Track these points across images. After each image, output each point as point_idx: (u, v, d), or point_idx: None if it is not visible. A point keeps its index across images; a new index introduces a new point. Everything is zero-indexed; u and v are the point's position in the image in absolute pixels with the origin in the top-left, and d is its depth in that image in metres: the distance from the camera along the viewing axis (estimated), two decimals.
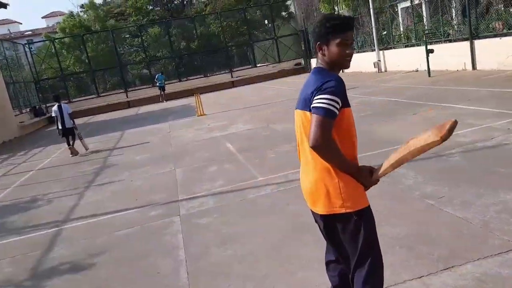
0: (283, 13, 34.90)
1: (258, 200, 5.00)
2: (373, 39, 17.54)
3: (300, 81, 22.28)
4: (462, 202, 3.86)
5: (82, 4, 42.26)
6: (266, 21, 35.56)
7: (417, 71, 15.18)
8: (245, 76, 27.53)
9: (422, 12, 16.52)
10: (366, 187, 2.08)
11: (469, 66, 12.64)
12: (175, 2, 46.74)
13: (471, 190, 4.06)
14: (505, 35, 11.44)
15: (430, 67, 12.99)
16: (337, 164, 1.98)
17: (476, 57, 12.29)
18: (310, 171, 2.09)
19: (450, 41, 13.86)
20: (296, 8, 27.39)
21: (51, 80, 28.91)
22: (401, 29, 18.04)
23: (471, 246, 3.06)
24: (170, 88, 25.62)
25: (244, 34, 33.09)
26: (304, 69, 27.21)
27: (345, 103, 1.98)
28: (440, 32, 14.16)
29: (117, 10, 44.57)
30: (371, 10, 17.00)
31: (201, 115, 14.65)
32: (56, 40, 29.71)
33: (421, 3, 15.82)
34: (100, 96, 26.32)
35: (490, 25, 12.36)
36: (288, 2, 36.71)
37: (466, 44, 12.61)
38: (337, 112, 1.92)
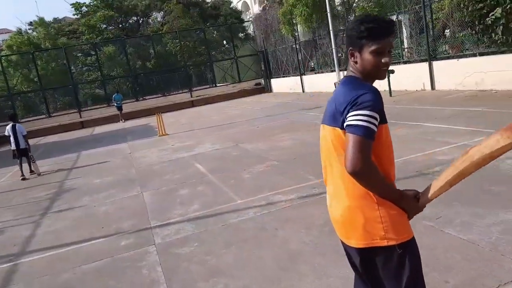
0: (240, 34, 35.14)
1: (242, 225, 4.64)
2: (333, 60, 17.83)
3: (261, 100, 22.31)
4: (462, 222, 3.71)
5: (31, 22, 40.52)
6: (224, 42, 35.69)
7: None
8: (205, 96, 27.20)
9: None
10: (410, 215, 1.80)
11: (428, 87, 13.04)
12: (130, 22, 45.96)
13: (467, 210, 3.94)
14: (462, 56, 11.92)
15: (391, 87, 13.29)
16: (378, 191, 1.70)
17: (434, 77, 12.72)
18: (343, 197, 1.79)
19: (409, 62, 14.30)
20: (255, 29, 27.57)
21: None
22: None
23: (487, 271, 2.87)
24: (127, 107, 24.78)
25: (201, 54, 32.92)
26: (264, 89, 27.30)
27: (383, 119, 1.72)
28: (399, 53, 14.59)
29: (69, 28, 43.15)
30: (331, 32, 17.31)
31: (163, 135, 14.11)
32: (3, 58, 28.02)
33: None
34: (52, 116, 24.94)
35: (445, 48, 12.90)
36: (246, 24, 37.14)
37: (425, 65, 13.04)
38: (376, 130, 1.64)
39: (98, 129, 21.72)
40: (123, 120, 23.30)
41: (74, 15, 43.55)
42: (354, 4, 16.52)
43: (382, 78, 1.79)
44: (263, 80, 27.61)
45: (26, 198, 8.07)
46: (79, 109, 25.39)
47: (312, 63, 22.56)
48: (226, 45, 34.89)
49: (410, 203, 1.76)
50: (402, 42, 16.18)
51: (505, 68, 10.41)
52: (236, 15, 40.89)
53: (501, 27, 10.27)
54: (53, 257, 4.70)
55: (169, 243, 4.48)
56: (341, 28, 18.32)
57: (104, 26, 41.81)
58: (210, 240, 4.37)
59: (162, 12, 44.76)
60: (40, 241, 5.34)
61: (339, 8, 18.69)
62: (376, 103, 1.64)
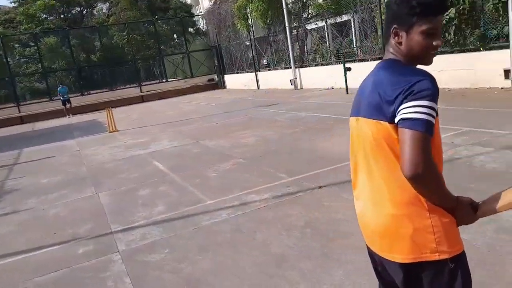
0: (191, 29, 34.36)
1: (215, 227, 4.30)
2: (289, 57, 17.80)
3: (216, 96, 21.86)
4: None
5: None
6: (175, 35, 34.73)
7: (333, 88, 15.66)
8: (156, 91, 26.30)
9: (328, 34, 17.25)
10: (458, 225, 1.56)
11: None
12: (73, 12, 43.57)
13: None
14: None
15: (347, 85, 13.43)
16: (437, 198, 1.42)
17: None
18: (386, 203, 1.49)
19: (364, 60, 14.53)
20: (208, 24, 27.01)
21: None
22: (309, 47, 18.61)
23: (493, 274, 2.76)
24: (72, 102, 23.30)
25: (150, 48, 31.86)
26: (218, 85, 26.84)
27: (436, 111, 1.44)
28: (355, 52, 14.79)
29: (5, 16, 40.18)
30: (287, 28, 17.26)
31: (114, 131, 13.33)
32: None
33: (328, 25, 16.43)
34: None
35: None
36: (195, 18, 36.42)
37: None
38: (434, 124, 1.37)
39: (40, 125, 20.28)
40: (70, 115, 21.80)
41: (11, 3, 40.52)
42: (309, 1, 16.52)
43: (429, 63, 1.53)
44: (216, 76, 27.14)
45: None
46: (17, 103, 23.59)
47: (266, 60, 22.46)
48: (177, 40, 34.00)
49: (465, 212, 1.50)
50: (352, 40, 16.49)
51: (457, 67, 10.79)
52: (186, 8, 40.04)
53: (453, 27, 10.63)
54: None
55: (135, 250, 4.05)
56: (295, 25, 18.34)
57: (45, 16, 39.30)
58: (181, 245, 3.99)
59: (108, 4, 42.92)
60: None
61: (293, 4, 18.66)
62: (435, 91, 1.37)
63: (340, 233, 3.67)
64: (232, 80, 25.47)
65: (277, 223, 4.14)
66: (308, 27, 18.87)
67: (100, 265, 3.83)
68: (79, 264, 3.92)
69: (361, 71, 13.70)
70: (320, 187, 4.96)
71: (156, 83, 28.58)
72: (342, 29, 16.62)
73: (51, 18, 40.21)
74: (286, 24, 17.24)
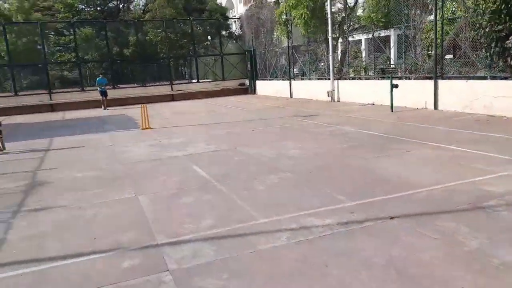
0: (224, 32, 34.15)
1: (278, 254, 3.78)
2: (329, 67, 17.24)
3: (248, 101, 21.42)
4: None
5: None
6: (209, 37, 34.59)
7: (373, 104, 15.03)
8: (186, 91, 26.07)
9: (372, 47, 16.63)
10: None
11: (430, 105, 12.61)
12: (110, 5, 43.96)
13: None
14: (471, 78, 11.54)
15: (388, 102, 12.83)
16: None
17: (439, 97, 12.29)
18: None
19: (410, 78, 13.87)
20: (244, 27, 26.69)
21: None
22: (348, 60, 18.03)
23: None
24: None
25: (182, 47, 31.79)
26: (248, 90, 26.45)
27: None
28: (402, 68, 14.15)
29: (44, 3, 40.78)
30: (329, 38, 16.73)
31: (146, 128, 13.02)
32: None
33: (374, 38, 15.82)
34: (18, 95, 23.04)
35: (455, 68, 12.46)
36: (229, 22, 36.24)
37: (429, 83, 12.60)
38: None
39: (70, 114, 20.21)
40: (106, 108, 21.24)
41: None
42: (359, 13, 15.96)
43: None
44: (247, 81, 26.76)
45: None
46: (49, 91, 23.63)
47: (297, 69, 21.96)
48: (209, 41, 33.84)
49: None
50: (391, 56, 15.83)
51: None
52: (222, 11, 39.95)
53: None
54: (35, 277, 3.68)
55: (188, 271, 3.57)
56: (336, 35, 17.78)
57: (82, 6, 39.78)
58: (242, 272, 3.49)
59: (145, 0, 43.16)
60: (15, 250, 4.28)
61: (336, 15, 18.14)
62: None
63: (438, 281, 3.11)
64: (264, 86, 25.04)
65: (351, 257, 3.60)
66: (359, 37, 18.30)
67: (149, 286, 3.36)
68: (126, 281, 3.45)
69: (406, 89, 13.07)
70: (391, 218, 4.40)
71: (186, 83, 28.39)
72: (382, 43, 16.00)
73: (88, 9, 40.69)
74: (329, 34, 16.71)
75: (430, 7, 13.43)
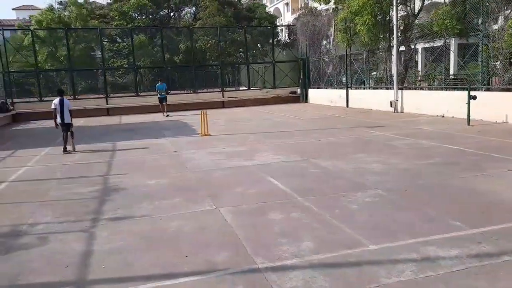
0: (274, 40, 33.83)
1: None
2: (393, 77, 16.41)
3: (301, 109, 20.85)
4: None
5: (61, 1, 39.45)
6: (259, 45, 34.44)
7: (443, 116, 14.08)
8: (237, 98, 25.89)
9: (451, 56, 15.65)
10: None
11: (511, 119, 11.58)
12: (161, 13, 44.92)
13: None
14: None
15: (460, 115, 11.91)
16: None
17: None
18: None
19: (488, 90, 12.87)
20: (298, 35, 26.21)
21: (19, 74, 26.05)
22: (419, 69, 17.14)
23: None
24: (154, 100, 23.15)
25: (231, 55, 31.77)
26: (299, 98, 25.90)
27: None
28: (478, 79, 13.14)
29: (99, 11, 42.24)
30: (395, 46, 15.93)
31: (206, 135, 12.76)
32: (31, 33, 26.86)
33: (449, 45, 14.88)
34: (77, 99, 23.67)
35: None
36: (278, 30, 35.97)
37: (510, 95, 11.58)
38: None
39: (126, 119, 20.44)
40: (167, 114, 20.91)
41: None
42: (430, 20, 15.08)
43: None
44: (299, 89, 26.23)
45: (65, 193, 6.71)
46: (106, 95, 24.10)
47: (344, 78, 21.21)
48: (259, 49, 33.66)
49: None
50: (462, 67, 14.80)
51: None
52: (271, 19, 39.81)
53: None
54: None
55: None
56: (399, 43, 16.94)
57: (135, 15, 40.85)
58: None
59: (195, 8, 43.76)
60: (104, 265, 3.95)
61: (402, 21, 17.29)
62: None
63: None
64: (316, 95, 24.42)
65: None
66: (425, 45, 17.37)
67: None
68: None
69: (481, 101, 11.97)
70: None
71: (237, 90, 28.24)
72: (439, 53, 14.97)
73: (140, 17, 41.77)
74: (394, 42, 15.92)
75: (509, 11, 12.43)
